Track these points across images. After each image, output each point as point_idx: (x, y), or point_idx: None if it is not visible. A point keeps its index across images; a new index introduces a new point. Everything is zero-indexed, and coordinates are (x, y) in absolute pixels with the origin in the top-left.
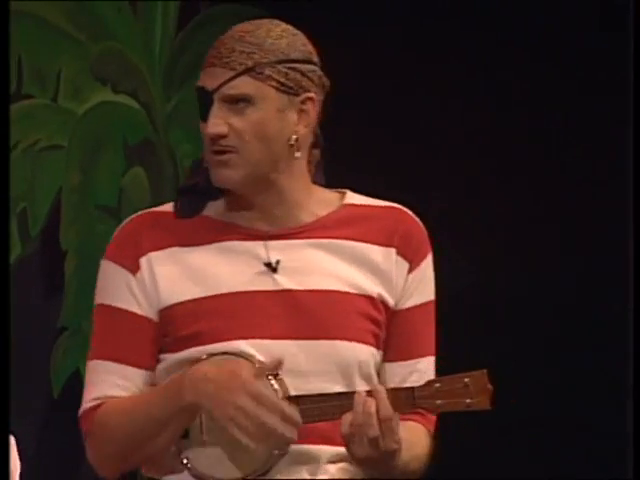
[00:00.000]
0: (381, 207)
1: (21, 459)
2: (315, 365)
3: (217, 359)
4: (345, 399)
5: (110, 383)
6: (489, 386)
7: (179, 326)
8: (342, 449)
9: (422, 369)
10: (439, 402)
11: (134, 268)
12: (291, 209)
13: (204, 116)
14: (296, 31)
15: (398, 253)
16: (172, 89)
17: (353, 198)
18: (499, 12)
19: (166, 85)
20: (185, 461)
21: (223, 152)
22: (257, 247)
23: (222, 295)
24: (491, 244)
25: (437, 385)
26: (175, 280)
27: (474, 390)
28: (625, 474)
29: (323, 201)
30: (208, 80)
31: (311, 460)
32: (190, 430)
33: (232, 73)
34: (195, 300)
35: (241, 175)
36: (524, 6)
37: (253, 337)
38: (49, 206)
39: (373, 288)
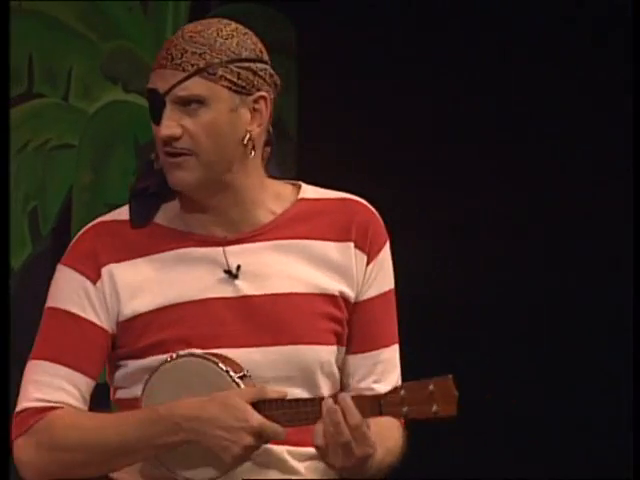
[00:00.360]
0: (335, 200)
1: None
2: (278, 371)
3: (183, 363)
4: (311, 406)
5: (56, 387)
6: (455, 392)
7: (142, 335)
8: (307, 449)
9: (386, 359)
10: (405, 409)
11: (95, 277)
12: (247, 210)
13: (156, 119)
14: (246, 30)
15: (356, 246)
16: None
17: (307, 192)
18: (499, 12)
19: None
20: (165, 469)
21: (177, 154)
22: (216, 254)
23: (184, 304)
24: (493, 244)
25: (402, 392)
26: (136, 291)
27: (440, 397)
28: (625, 474)
29: (278, 196)
30: (159, 82)
31: (278, 462)
32: None
33: (183, 74)
34: (157, 310)
35: (196, 177)
36: (524, 6)
37: (216, 346)
38: (60, 205)
39: (334, 286)
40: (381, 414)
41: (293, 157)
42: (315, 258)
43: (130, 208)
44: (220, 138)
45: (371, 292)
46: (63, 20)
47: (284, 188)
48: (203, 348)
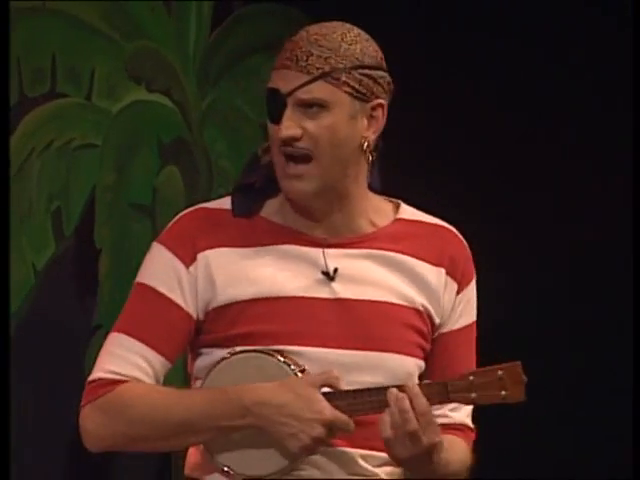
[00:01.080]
0: (431, 225)
1: (56, 452)
2: (365, 376)
3: (242, 359)
4: (376, 395)
5: (133, 362)
6: (523, 378)
7: (234, 324)
8: (382, 454)
9: None
10: (474, 395)
11: (189, 261)
12: (351, 217)
13: (275, 118)
14: (368, 36)
15: (447, 273)
16: (206, 88)
17: (406, 212)
18: (499, 12)
19: (200, 84)
20: (226, 469)
21: (296, 160)
22: (316, 254)
23: (279, 298)
24: (494, 243)
25: (471, 378)
26: (233, 279)
27: (509, 382)
28: (625, 474)
29: (380, 211)
30: (281, 82)
31: (351, 465)
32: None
33: (308, 77)
34: (252, 300)
35: (314, 187)
36: (524, 6)
37: (306, 344)
38: (83, 205)
39: (420, 300)
40: (449, 400)
41: None
42: (408, 273)
43: (232, 200)
44: (339, 142)
45: (460, 323)
46: (86, 20)
47: (385, 204)
48: (291, 344)
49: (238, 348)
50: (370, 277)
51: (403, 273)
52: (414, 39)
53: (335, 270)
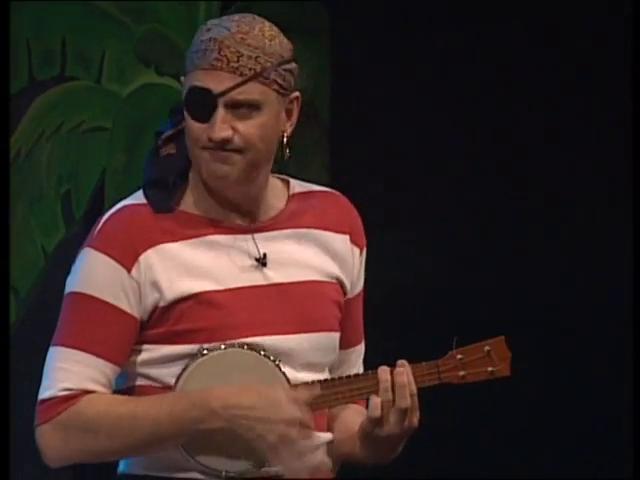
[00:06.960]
0: (322, 193)
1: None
2: (309, 358)
3: (222, 355)
4: (364, 381)
5: (87, 376)
6: (509, 352)
7: (179, 321)
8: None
9: (361, 349)
10: (462, 373)
11: (130, 265)
12: (257, 203)
13: (202, 117)
14: (276, 27)
15: (351, 239)
16: None
17: (297, 186)
18: (501, 12)
19: None
20: (191, 460)
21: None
22: (242, 241)
23: (222, 291)
24: (497, 243)
25: (459, 357)
26: (175, 277)
27: (496, 358)
28: (625, 474)
29: (276, 189)
30: (212, 83)
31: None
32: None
33: (241, 79)
34: (195, 295)
35: (239, 172)
36: (524, 5)
37: (254, 334)
38: (93, 188)
39: (338, 274)
40: (440, 380)
41: (325, 141)
42: (322, 247)
43: (147, 196)
44: (268, 140)
45: (359, 287)
46: (96, 3)
47: (277, 182)
48: (241, 336)
49: (206, 345)
50: (293, 257)
51: (318, 247)
52: (433, 25)
53: (264, 255)
